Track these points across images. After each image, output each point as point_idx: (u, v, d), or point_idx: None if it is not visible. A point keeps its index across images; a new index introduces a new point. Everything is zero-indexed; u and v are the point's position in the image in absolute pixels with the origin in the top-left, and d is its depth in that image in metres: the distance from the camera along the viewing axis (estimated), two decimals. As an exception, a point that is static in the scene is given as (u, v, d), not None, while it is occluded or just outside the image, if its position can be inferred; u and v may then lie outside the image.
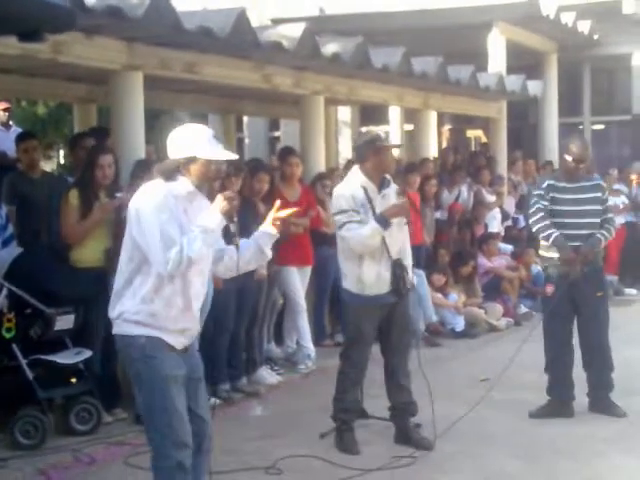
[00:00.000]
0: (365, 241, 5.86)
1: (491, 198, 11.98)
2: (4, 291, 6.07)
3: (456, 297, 10.31)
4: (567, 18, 13.76)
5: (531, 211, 6.87)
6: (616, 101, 16.40)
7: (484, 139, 15.80)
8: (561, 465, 5.80)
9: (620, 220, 13.53)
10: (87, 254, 6.56)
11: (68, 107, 12.28)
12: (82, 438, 6.09)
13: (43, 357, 6.11)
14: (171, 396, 4.12)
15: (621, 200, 13.56)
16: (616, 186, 13.67)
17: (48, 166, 9.03)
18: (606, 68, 16.02)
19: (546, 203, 6.76)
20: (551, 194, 6.75)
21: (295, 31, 8.14)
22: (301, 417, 6.66)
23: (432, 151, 11.96)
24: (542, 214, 6.74)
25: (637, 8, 14.41)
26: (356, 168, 6.08)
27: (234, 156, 4.42)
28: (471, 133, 16.97)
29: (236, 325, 7.38)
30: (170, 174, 4.18)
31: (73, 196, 6.61)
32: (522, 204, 13.03)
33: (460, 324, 10.10)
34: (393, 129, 14.51)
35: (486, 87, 11.66)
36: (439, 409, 6.88)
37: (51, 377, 6.07)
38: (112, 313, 4.23)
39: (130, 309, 4.14)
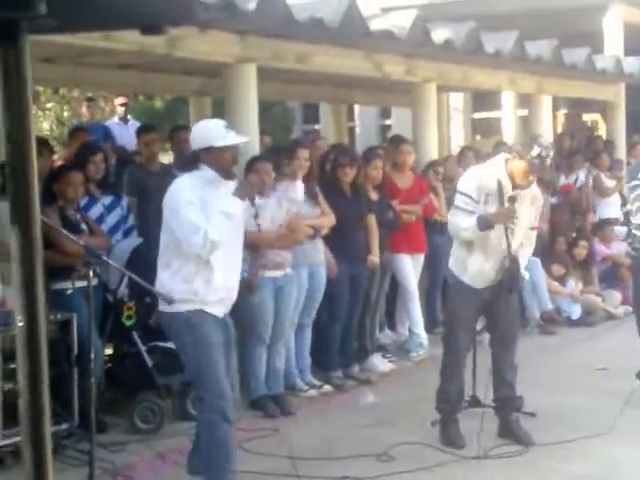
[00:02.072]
0: (459, 232, 5.87)
1: (610, 183, 11.71)
2: (125, 280, 6.26)
3: (573, 284, 10.14)
4: (687, -3, 13.31)
5: None
6: None
7: (601, 123, 15.42)
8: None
9: None
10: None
11: (184, 100, 12.52)
12: (198, 423, 6.23)
13: (161, 344, 6.24)
14: (216, 359, 4.69)
15: None
16: None
17: (165, 159, 9.23)
18: None
19: None
20: None
21: (406, 19, 8.11)
22: (413, 405, 6.67)
23: (547, 136, 11.74)
24: None
25: None
26: (504, 157, 5.83)
27: (245, 139, 5.16)
28: (588, 117, 16.58)
29: (349, 313, 7.44)
30: (192, 165, 4.79)
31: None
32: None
33: (576, 312, 9.93)
34: (506, 115, 14.30)
35: (603, 70, 11.39)
36: (555, 398, 6.83)
37: (168, 364, 6.18)
38: (158, 292, 4.80)
39: (173, 289, 4.69)
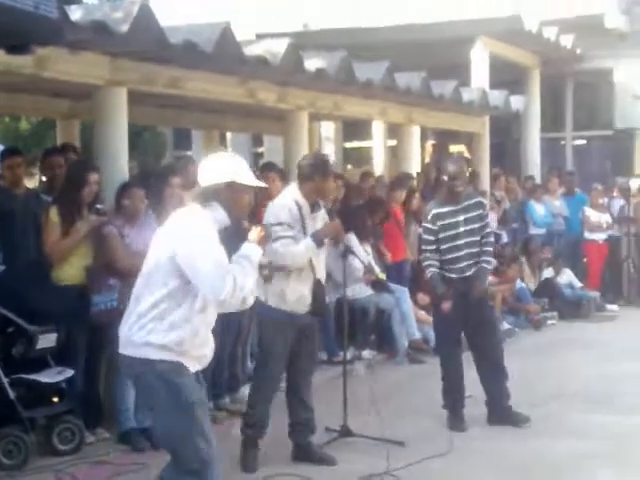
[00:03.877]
0: (298, 258, 5.87)
1: (474, 213, 11.94)
2: (-15, 309, 6.01)
3: (440, 313, 10.26)
4: (550, 32, 13.81)
5: (422, 247, 7.22)
6: (598, 116, 16.42)
7: (467, 154, 15.82)
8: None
9: (602, 236, 13.64)
10: (69, 271, 6.49)
11: (51, 123, 12.19)
12: (65, 458, 6.01)
13: (25, 376, 6.04)
14: (198, 420, 4.12)
15: (606, 217, 13.62)
16: (601, 200, 13.76)
17: (30, 183, 8.96)
18: (588, 83, 16.03)
19: (432, 238, 6.97)
20: (438, 222, 6.95)
21: (279, 46, 8.13)
22: (285, 435, 6.60)
23: (415, 166, 11.96)
24: (429, 252, 7.00)
25: (619, 22, 14.49)
26: (294, 185, 6.06)
27: (264, 185, 4.62)
28: (455, 148, 16.98)
29: (220, 342, 7.30)
30: (207, 200, 4.18)
31: (54, 213, 6.52)
32: (505, 219, 13.07)
33: (444, 341, 10.04)
34: (376, 144, 14.53)
35: (469, 102, 11.69)
36: (423, 426, 6.89)
37: (33, 396, 6.00)
38: (132, 334, 4.16)
39: (157, 334, 4.10)
